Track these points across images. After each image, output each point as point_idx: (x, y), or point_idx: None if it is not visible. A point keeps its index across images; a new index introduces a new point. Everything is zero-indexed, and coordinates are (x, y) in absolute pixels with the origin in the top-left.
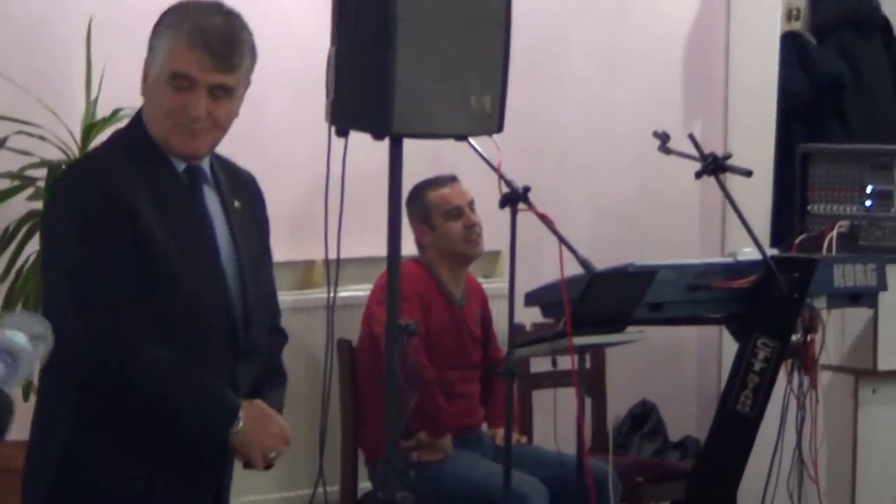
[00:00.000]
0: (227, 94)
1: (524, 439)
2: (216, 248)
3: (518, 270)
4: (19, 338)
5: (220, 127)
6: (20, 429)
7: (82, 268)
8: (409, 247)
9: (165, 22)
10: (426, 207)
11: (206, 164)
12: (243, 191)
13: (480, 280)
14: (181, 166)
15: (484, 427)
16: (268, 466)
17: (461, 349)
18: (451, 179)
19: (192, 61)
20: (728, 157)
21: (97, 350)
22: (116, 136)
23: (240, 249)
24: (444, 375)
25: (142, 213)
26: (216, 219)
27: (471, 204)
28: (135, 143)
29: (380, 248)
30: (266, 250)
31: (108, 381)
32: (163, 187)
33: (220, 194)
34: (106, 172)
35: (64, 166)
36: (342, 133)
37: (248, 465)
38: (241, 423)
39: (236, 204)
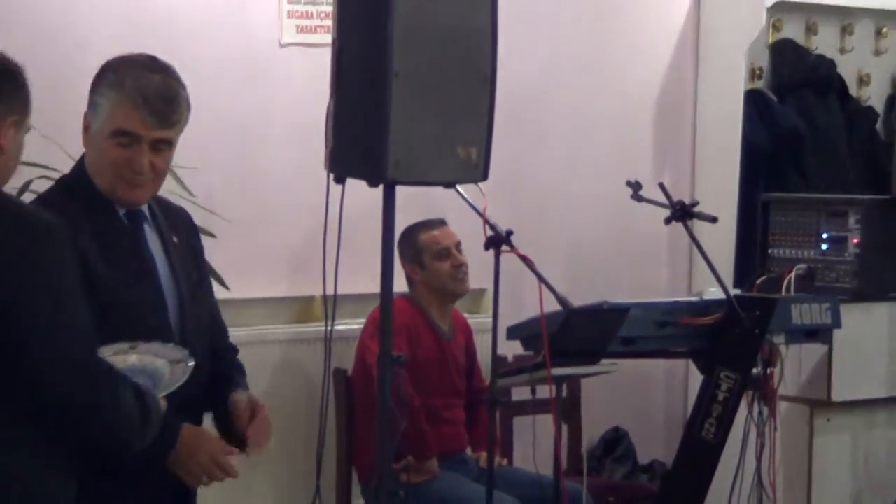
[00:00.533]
0: (167, 147)
1: (505, 462)
2: (158, 283)
3: (501, 307)
4: (160, 363)
5: (161, 176)
6: None
7: None
8: (400, 284)
9: (106, 80)
10: (418, 248)
11: (144, 206)
12: (180, 226)
13: (466, 315)
14: (122, 210)
15: (468, 450)
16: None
17: (447, 378)
18: (441, 223)
19: (135, 120)
20: (695, 204)
21: None
22: (61, 181)
23: (179, 281)
24: (431, 403)
25: (85, 251)
26: (157, 255)
27: (458, 245)
28: (78, 188)
29: (374, 286)
30: (204, 278)
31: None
32: (105, 228)
33: (159, 232)
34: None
35: None
36: (340, 180)
37: None
38: (176, 448)
39: (174, 239)
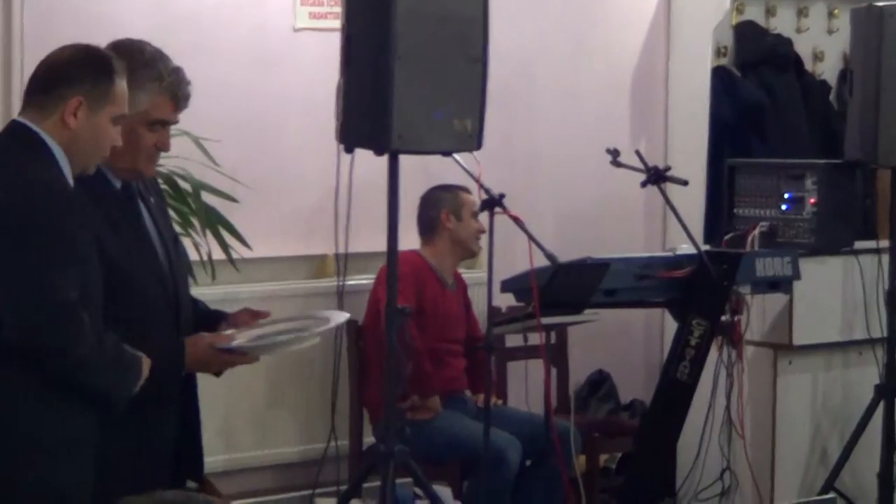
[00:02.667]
0: None
1: (500, 402)
2: (154, 249)
3: (495, 263)
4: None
5: None
6: None
7: None
8: (404, 242)
9: (143, 73)
10: (460, 202)
11: None
12: (152, 187)
13: (463, 271)
14: (118, 183)
15: (467, 392)
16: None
17: (448, 325)
18: None
19: (171, 111)
20: (668, 169)
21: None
22: None
23: (166, 242)
24: (434, 346)
25: (98, 233)
26: (146, 218)
27: None
28: None
29: (380, 244)
30: (176, 235)
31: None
32: (108, 201)
33: (141, 198)
34: None
35: None
36: (349, 150)
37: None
38: (186, 364)
39: (152, 200)
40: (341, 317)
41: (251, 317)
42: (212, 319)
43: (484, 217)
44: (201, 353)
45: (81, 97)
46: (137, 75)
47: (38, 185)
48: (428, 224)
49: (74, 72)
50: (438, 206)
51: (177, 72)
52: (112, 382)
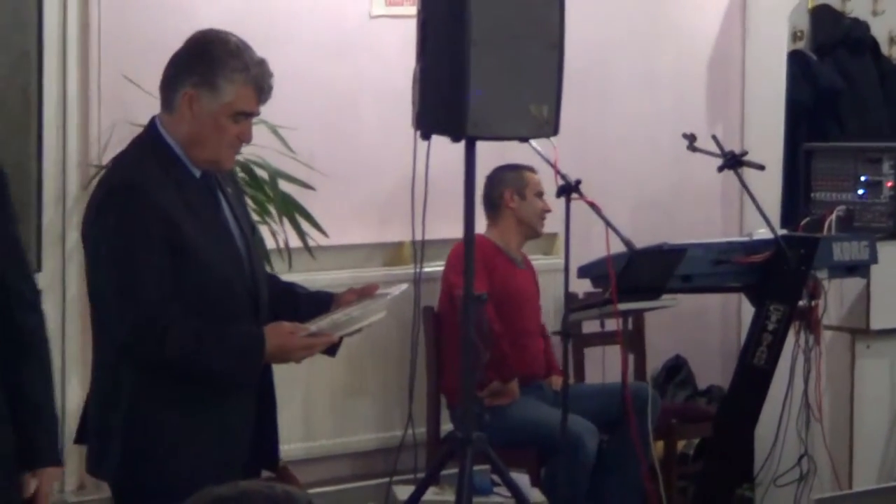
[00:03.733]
0: None
1: (571, 381)
2: (234, 240)
3: (572, 249)
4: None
5: None
6: None
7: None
8: (481, 229)
9: (230, 64)
10: (524, 181)
11: None
12: (229, 176)
13: (539, 257)
14: (198, 172)
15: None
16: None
17: (523, 303)
18: None
19: (255, 103)
20: (745, 154)
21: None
22: (140, 146)
23: (243, 231)
24: (510, 327)
25: (171, 210)
26: (224, 207)
27: None
28: (159, 155)
29: (457, 231)
30: (253, 224)
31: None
32: (189, 191)
33: (219, 187)
34: (145, 187)
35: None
36: (426, 136)
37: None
38: (267, 347)
39: (229, 190)
40: (400, 287)
41: (357, 296)
42: (320, 301)
43: (559, 202)
44: (283, 338)
45: None
46: (222, 66)
47: None
48: (492, 203)
49: None
50: (502, 185)
51: (261, 63)
52: None
